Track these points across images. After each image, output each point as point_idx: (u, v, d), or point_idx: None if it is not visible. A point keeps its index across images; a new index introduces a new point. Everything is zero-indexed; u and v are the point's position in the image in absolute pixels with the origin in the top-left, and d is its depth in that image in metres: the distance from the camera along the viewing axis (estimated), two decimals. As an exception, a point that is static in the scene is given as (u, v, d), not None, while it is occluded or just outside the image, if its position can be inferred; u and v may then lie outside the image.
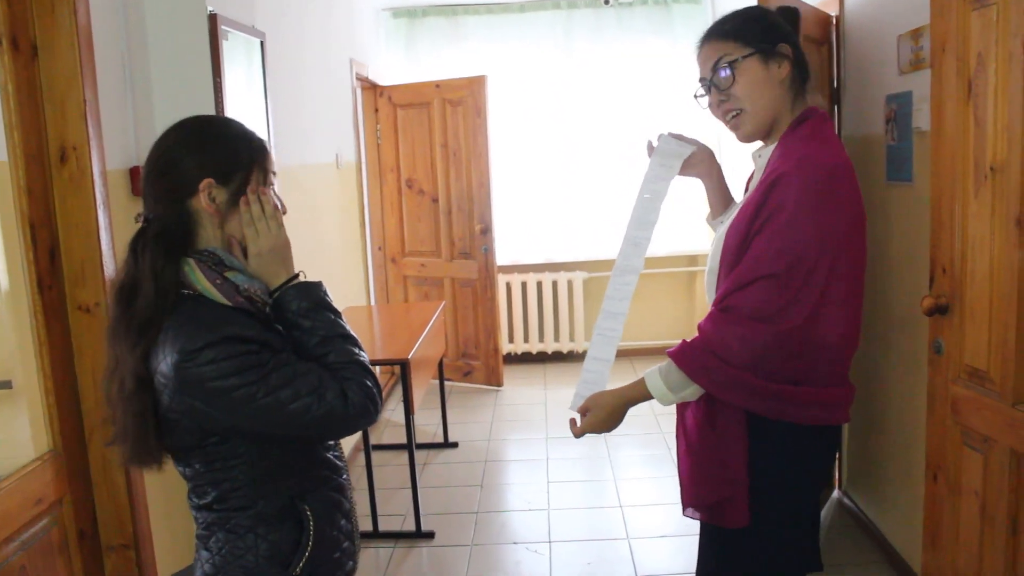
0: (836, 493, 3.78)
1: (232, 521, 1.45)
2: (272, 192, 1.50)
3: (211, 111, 2.71)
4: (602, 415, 1.90)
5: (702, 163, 2.05)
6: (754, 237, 1.72)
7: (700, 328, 1.78)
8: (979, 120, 2.16)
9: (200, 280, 1.38)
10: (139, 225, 1.43)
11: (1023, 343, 2.04)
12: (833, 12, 3.47)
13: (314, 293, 1.50)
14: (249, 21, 3.04)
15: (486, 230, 5.63)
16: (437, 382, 4.98)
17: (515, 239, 6.30)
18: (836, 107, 3.53)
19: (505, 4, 6.09)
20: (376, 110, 5.89)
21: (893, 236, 3.09)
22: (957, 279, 2.29)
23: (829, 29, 3.46)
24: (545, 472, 4.36)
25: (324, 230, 4.23)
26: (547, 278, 6.27)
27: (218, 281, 1.39)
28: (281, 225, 1.50)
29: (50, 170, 2.29)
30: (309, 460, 1.53)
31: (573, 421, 1.99)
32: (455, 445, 4.77)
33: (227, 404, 1.33)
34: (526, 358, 6.49)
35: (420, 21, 6.14)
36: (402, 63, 6.17)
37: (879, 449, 3.35)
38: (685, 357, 1.77)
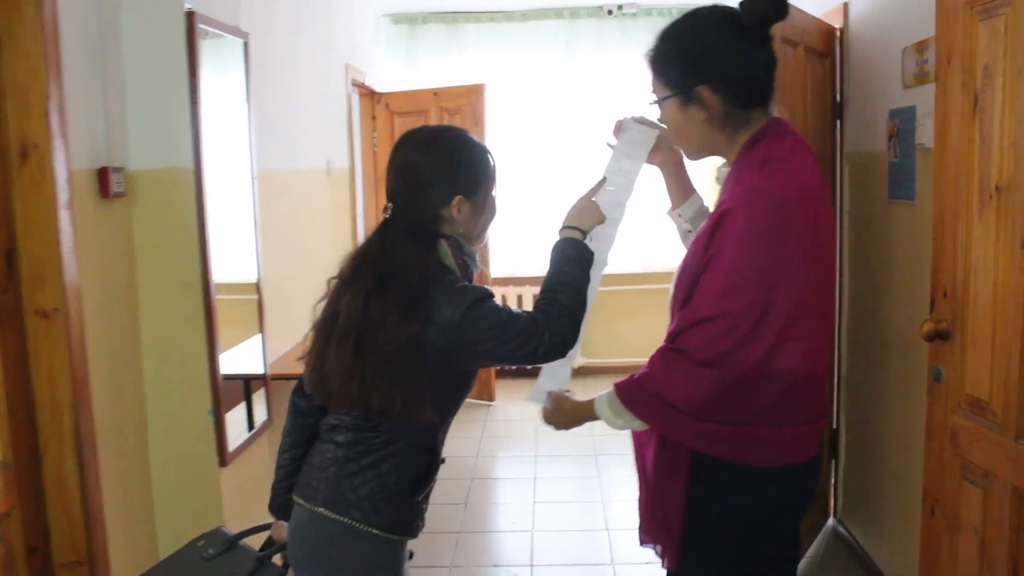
0: (831, 521, 3.65)
1: (390, 447, 1.71)
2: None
3: (186, 112, 2.62)
4: (563, 420, 1.93)
5: (660, 151, 1.95)
6: (702, 274, 1.63)
7: (650, 364, 1.69)
8: (985, 136, 2.06)
9: (448, 257, 1.71)
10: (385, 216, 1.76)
11: (1027, 373, 1.93)
12: (837, 24, 3.36)
13: (585, 252, 1.77)
14: (232, 21, 2.94)
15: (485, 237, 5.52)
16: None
17: (511, 251, 6.19)
18: (839, 122, 3.43)
19: (507, 12, 6.01)
20: (373, 117, 5.79)
21: (893, 256, 2.97)
22: (959, 304, 2.19)
23: (833, 42, 3.36)
24: (532, 492, 4.24)
25: (313, 236, 4.13)
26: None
27: (459, 262, 1.73)
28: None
29: (10, 168, 2.19)
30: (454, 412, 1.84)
31: (545, 410, 1.98)
32: (442, 460, 4.63)
33: (485, 335, 1.63)
34: (520, 372, 6.35)
35: (420, 28, 6.06)
36: (402, 70, 6.09)
37: (875, 477, 3.23)
38: (630, 394, 1.71)
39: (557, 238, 1.83)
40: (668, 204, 2.06)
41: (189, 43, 2.59)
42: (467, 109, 5.48)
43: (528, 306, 6.15)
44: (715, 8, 1.73)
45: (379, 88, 5.78)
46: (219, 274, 2.79)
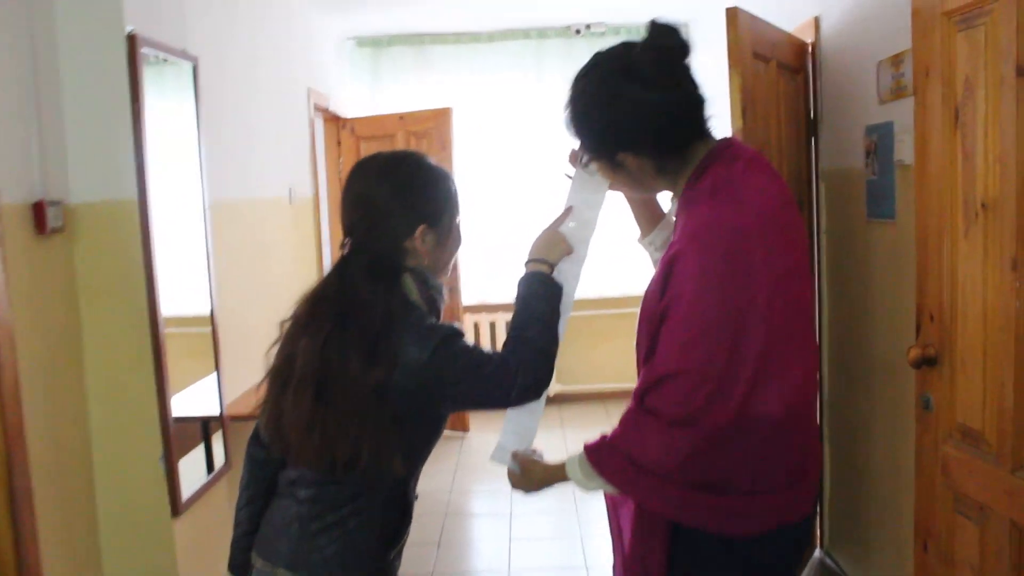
0: (818, 552, 3.52)
1: (357, 501, 1.58)
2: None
3: (128, 141, 2.47)
4: (532, 485, 1.73)
5: None
6: (660, 325, 1.49)
7: (621, 424, 1.54)
8: (968, 152, 1.96)
9: (413, 292, 1.60)
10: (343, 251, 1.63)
11: (1023, 401, 1.81)
12: (809, 39, 3.28)
13: (553, 287, 1.69)
14: (179, 44, 2.81)
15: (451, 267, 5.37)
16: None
17: (482, 277, 6.05)
18: (813, 139, 3.33)
19: (474, 34, 5.91)
20: (339, 143, 5.66)
21: (874, 277, 2.87)
22: (947, 327, 2.08)
23: (805, 57, 3.27)
24: (508, 528, 4.08)
25: (273, 267, 3.97)
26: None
27: (426, 296, 1.62)
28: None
29: (-68, 204, 2.04)
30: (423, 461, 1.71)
31: (512, 473, 1.78)
32: (415, 497, 4.46)
33: (456, 376, 1.53)
34: (496, 400, 6.20)
35: (386, 51, 5.95)
36: (367, 94, 5.97)
37: (864, 506, 3.11)
38: (601, 457, 1.55)
39: (523, 271, 1.73)
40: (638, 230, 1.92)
41: (131, 67, 2.45)
42: (434, 133, 5.36)
43: (501, 333, 6.05)
44: (613, 57, 1.58)
45: (344, 113, 5.65)
46: (173, 309, 2.67)
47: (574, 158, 1.80)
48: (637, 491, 1.53)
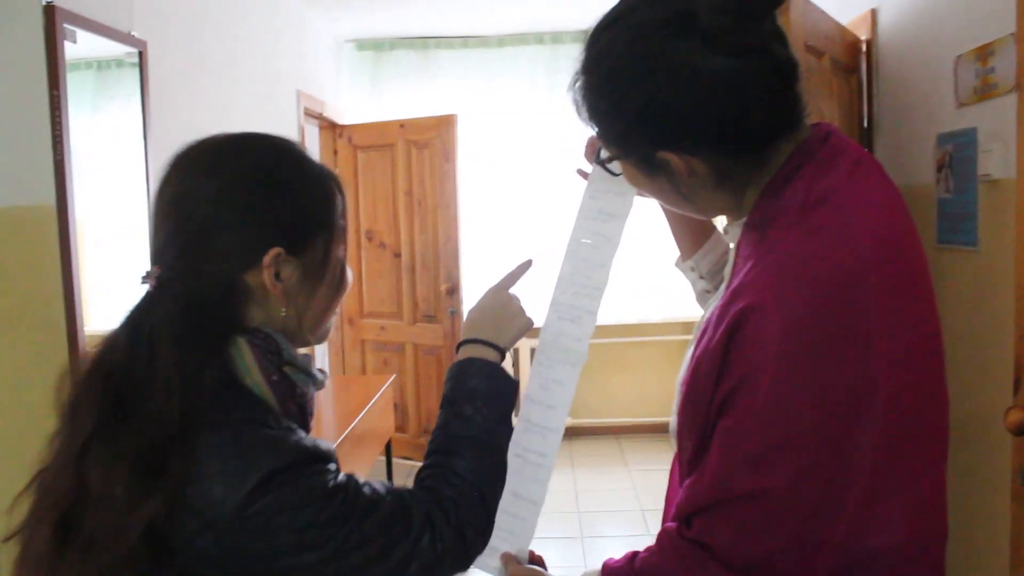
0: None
1: None
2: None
3: (45, 135, 2.04)
4: None
5: None
6: (716, 417, 0.94)
7: (659, 550, 1.02)
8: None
9: (251, 370, 0.96)
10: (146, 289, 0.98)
11: None
12: (864, 36, 2.81)
13: (503, 383, 1.12)
14: (122, 26, 2.38)
15: (453, 290, 4.94)
16: (392, 466, 4.26)
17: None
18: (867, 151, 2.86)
19: (482, 38, 5.48)
20: (335, 152, 5.24)
21: (946, 316, 2.37)
22: (1060, 387, 1.61)
23: (859, 55, 2.81)
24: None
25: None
26: (524, 344, 5.50)
27: (274, 378, 0.98)
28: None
29: None
30: None
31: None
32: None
33: (290, 540, 0.89)
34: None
35: (388, 54, 5.52)
36: (367, 100, 5.53)
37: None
38: None
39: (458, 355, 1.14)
40: (674, 248, 1.41)
41: (49, 46, 2.03)
42: (437, 142, 4.93)
43: (524, 360, 5.56)
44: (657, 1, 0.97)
45: (342, 120, 5.23)
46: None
47: (591, 149, 1.28)
48: None
